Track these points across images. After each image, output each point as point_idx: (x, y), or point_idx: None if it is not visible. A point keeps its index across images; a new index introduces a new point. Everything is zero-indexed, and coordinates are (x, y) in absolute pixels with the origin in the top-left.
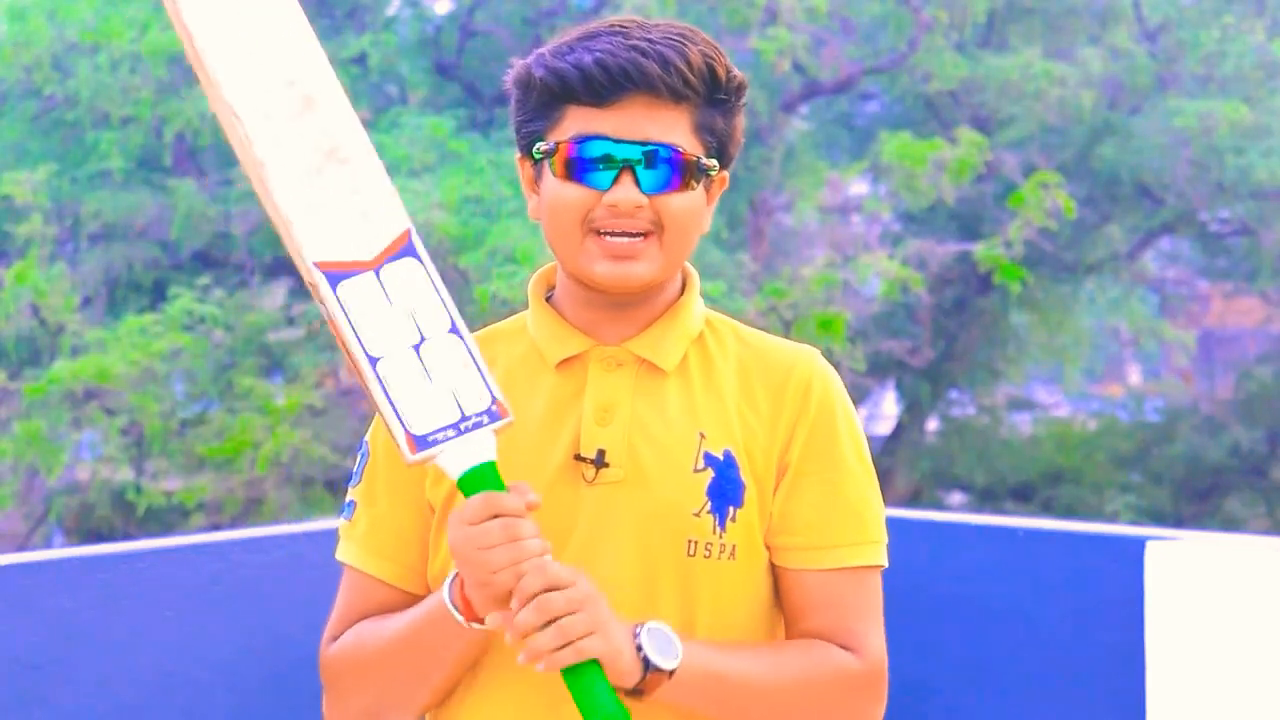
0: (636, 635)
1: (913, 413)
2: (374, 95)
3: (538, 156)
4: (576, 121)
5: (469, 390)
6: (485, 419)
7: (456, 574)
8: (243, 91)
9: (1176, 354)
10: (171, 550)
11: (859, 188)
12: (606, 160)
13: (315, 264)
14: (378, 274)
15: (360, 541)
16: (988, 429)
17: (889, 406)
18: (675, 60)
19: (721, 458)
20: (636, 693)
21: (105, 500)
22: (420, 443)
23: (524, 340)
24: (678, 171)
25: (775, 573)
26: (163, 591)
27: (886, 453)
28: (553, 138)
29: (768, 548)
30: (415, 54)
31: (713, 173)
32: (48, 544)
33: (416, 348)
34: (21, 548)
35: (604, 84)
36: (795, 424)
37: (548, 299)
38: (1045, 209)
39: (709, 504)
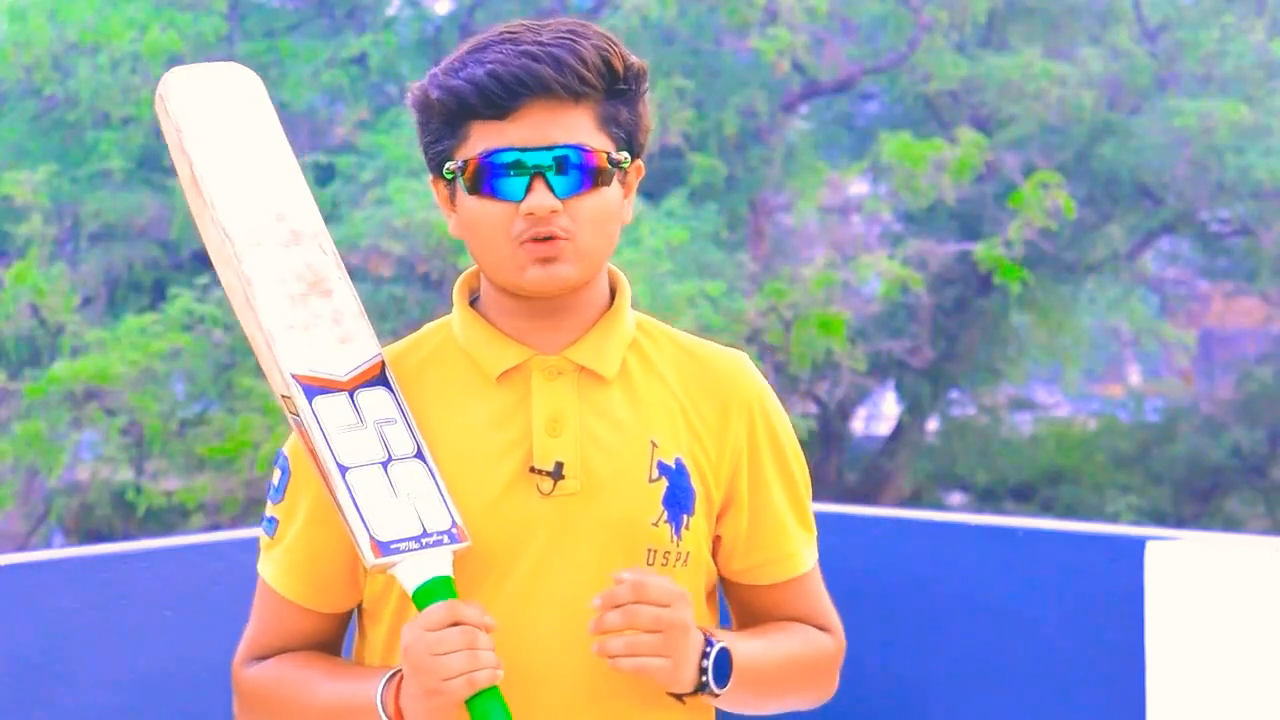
0: (705, 656)
1: (913, 413)
2: (374, 95)
3: (449, 176)
4: (482, 137)
5: (431, 511)
6: (445, 539)
7: (392, 676)
8: (235, 216)
9: (1176, 354)
10: (171, 550)
11: (859, 188)
12: (516, 170)
13: (294, 375)
14: (352, 396)
15: (278, 561)
16: (988, 429)
17: (889, 406)
18: (568, 59)
19: (674, 466)
20: (678, 697)
21: (105, 500)
22: (384, 548)
23: (452, 350)
24: (589, 171)
25: (733, 588)
26: (163, 591)
27: (887, 453)
28: (460, 156)
29: (721, 575)
30: (415, 54)
31: (624, 165)
32: (48, 544)
33: (384, 464)
34: (21, 548)
35: (500, 95)
36: (741, 449)
37: (471, 303)
38: (1045, 209)
39: (665, 513)
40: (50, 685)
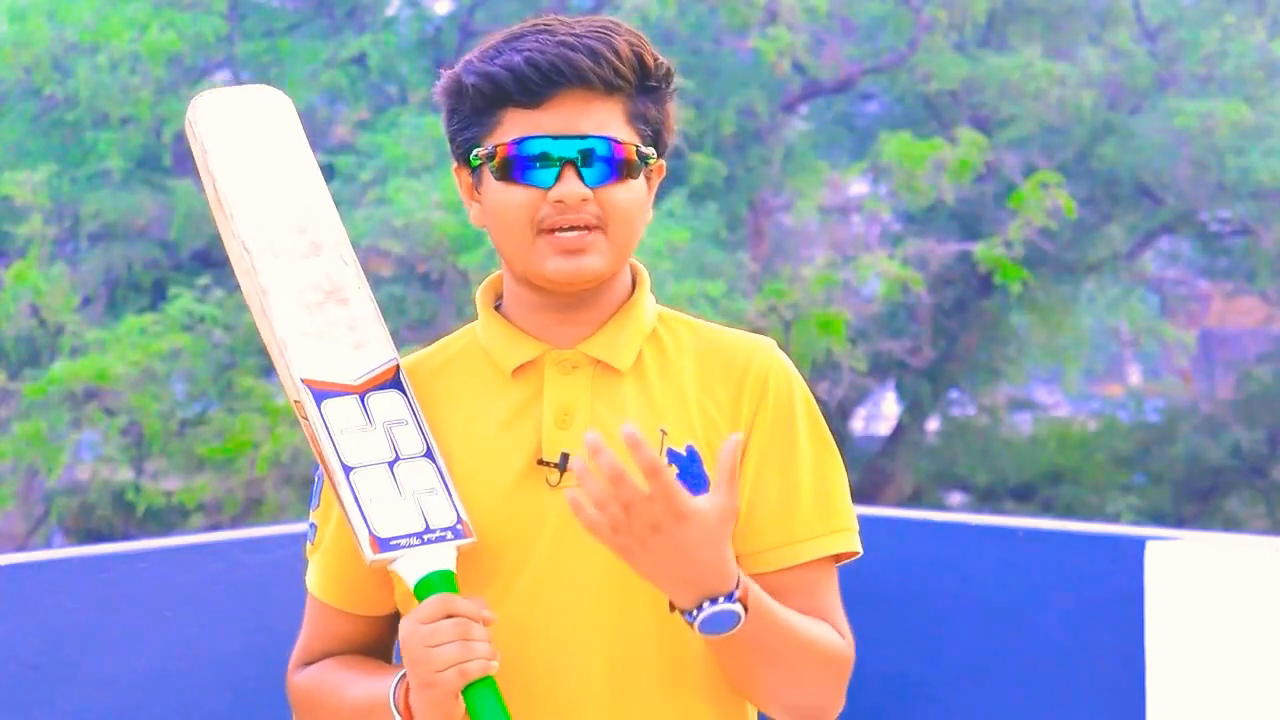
0: (713, 601)
1: (913, 413)
2: (374, 95)
3: (476, 163)
4: (513, 124)
5: (436, 508)
6: (449, 535)
7: (404, 674)
8: (255, 230)
9: (1176, 354)
10: (171, 550)
11: (859, 188)
12: (546, 158)
13: (303, 380)
14: (362, 399)
15: (315, 565)
16: (988, 429)
17: (889, 406)
18: (604, 51)
19: (684, 453)
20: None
21: (105, 500)
22: (383, 545)
23: (474, 350)
24: (618, 163)
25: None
26: (163, 591)
27: (886, 453)
28: (490, 142)
29: (736, 556)
30: (415, 54)
31: (651, 161)
32: (48, 544)
33: (390, 464)
34: (21, 548)
35: (536, 82)
36: (754, 418)
37: (496, 308)
38: (1045, 209)
39: None
40: (50, 685)
